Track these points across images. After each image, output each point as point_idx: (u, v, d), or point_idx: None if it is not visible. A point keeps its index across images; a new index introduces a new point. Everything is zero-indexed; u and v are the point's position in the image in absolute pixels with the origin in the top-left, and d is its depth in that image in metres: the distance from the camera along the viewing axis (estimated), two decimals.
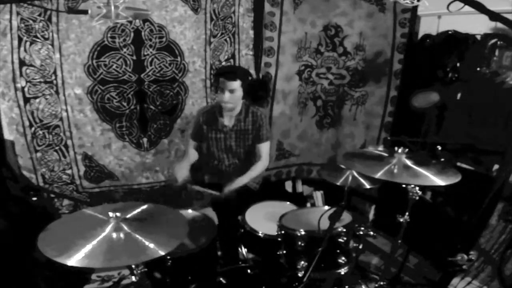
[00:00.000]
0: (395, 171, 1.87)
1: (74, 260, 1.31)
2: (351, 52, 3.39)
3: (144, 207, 1.69)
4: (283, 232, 1.97)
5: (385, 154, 2.05)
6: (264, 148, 2.57)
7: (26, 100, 2.63)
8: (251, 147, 2.59)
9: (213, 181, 2.66)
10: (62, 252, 1.34)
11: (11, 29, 2.46)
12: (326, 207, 1.96)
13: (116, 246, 1.41)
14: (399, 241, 2.14)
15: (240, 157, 2.63)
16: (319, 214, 1.79)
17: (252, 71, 3.18)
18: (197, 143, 2.66)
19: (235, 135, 2.55)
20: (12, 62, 2.52)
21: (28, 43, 2.53)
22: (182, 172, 2.42)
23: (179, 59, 2.96)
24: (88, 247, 1.37)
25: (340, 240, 1.92)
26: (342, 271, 1.94)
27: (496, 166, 2.62)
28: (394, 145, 2.00)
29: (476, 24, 2.70)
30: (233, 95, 2.36)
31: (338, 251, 1.94)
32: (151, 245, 1.41)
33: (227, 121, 2.53)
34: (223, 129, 2.53)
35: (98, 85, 2.79)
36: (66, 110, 2.76)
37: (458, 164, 2.74)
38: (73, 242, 1.39)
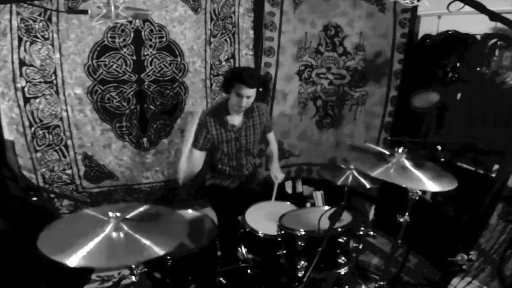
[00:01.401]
0: (391, 171, 1.86)
1: (73, 259, 1.31)
2: (351, 52, 3.39)
3: (144, 208, 1.69)
4: (283, 232, 1.97)
5: (387, 152, 2.04)
6: (273, 136, 2.82)
7: (26, 100, 2.63)
8: (260, 141, 2.71)
9: (234, 186, 2.68)
10: (61, 251, 1.34)
11: (11, 29, 2.46)
12: (326, 207, 1.96)
13: (116, 246, 1.41)
14: (399, 241, 2.14)
15: (254, 153, 2.70)
16: (319, 214, 1.80)
17: None
18: (205, 152, 2.51)
19: (245, 133, 2.56)
20: (12, 62, 2.52)
21: (28, 43, 2.53)
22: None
23: (179, 59, 2.96)
24: (88, 247, 1.37)
25: (340, 240, 1.92)
26: (342, 271, 1.94)
27: (496, 166, 2.62)
28: (394, 145, 2.00)
29: (476, 24, 2.70)
30: (250, 99, 2.38)
31: (338, 251, 1.94)
32: (151, 245, 1.41)
33: (236, 120, 2.53)
34: (233, 129, 2.52)
35: (98, 85, 2.79)
36: (66, 110, 2.76)
37: (458, 164, 2.74)
38: (73, 241, 1.39)
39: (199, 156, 2.50)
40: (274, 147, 2.83)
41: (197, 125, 2.54)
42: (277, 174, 2.64)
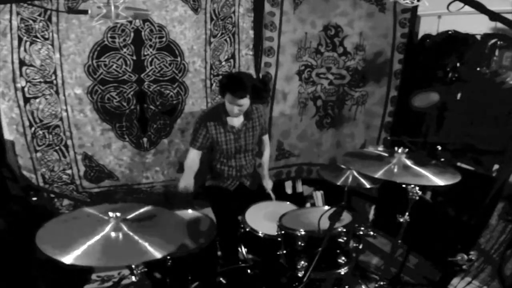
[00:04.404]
0: (395, 170, 1.87)
1: (71, 257, 1.31)
2: (351, 52, 3.39)
3: (144, 209, 1.69)
4: (283, 232, 1.97)
5: (385, 154, 2.05)
6: (267, 138, 2.86)
7: (26, 100, 2.63)
8: (257, 141, 2.73)
9: (233, 187, 2.68)
10: (59, 249, 1.34)
11: (11, 29, 2.46)
12: (326, 207, 1.96)
13: (114, 246, 1.41)
14: (399, 241, 2.14)
15: (253, 153, 2.72)
16: (319, 214, 1.79)
17: (252, 71, 3.18)
18: (202, 152, 2.55)
19: (245, 134, 2.57)
20: (12, 62, 2.52)
21: (28, 43, 2.52)
22: (189, 183, 2.47)
23: (179, 59, 2.96)
24: (86, 246, 1.37)
25: (340, 240, 1.92)
26: (342, 271, 1.94)
27: (496, 166, 2.62)
28: (394, 145, 2.00)
29: (476, 24, 2.70)
30: (242, 107, 2.39)
31: (338, 251, 1.94)
32: (149, 247, 1.41)
33: (235, 122, 2.53)
34: (232, 130, 2.52)
35: (98, 85, 2.79)
36: (66, 110, 2.76)
37: (458, 164, 2.74)
38: (71, 240, 1.39)
39: (196, 155, 2.53)
40: (266, 154, 2.85)
41: (196, 124, 2.54)
42: (267, 185, 2.76)
